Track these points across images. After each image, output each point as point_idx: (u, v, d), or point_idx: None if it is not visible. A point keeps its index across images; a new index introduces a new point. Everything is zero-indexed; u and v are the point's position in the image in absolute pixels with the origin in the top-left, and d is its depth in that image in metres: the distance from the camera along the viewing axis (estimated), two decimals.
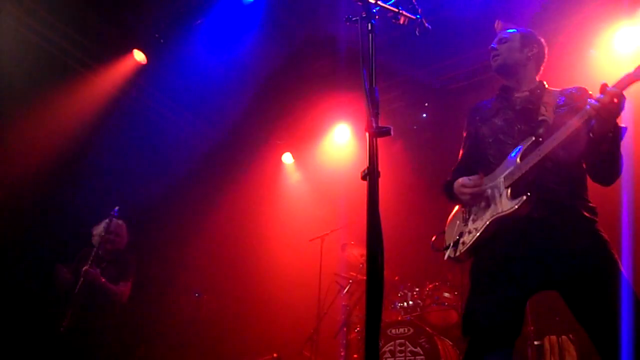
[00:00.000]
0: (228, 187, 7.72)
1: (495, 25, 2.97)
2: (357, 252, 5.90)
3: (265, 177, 8.18)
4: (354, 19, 2.02)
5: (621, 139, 2.40)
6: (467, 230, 2.64)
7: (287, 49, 6.65)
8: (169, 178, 7.25)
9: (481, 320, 2.45)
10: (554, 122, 2.54)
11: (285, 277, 7.24)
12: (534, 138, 2.51)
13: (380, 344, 4.93)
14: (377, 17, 2.00)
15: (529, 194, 2.40)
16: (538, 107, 2.65)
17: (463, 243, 2.62)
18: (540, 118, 2.60)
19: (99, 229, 5.33)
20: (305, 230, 6.97)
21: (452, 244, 2.71)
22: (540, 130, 2.53)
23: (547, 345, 4.89)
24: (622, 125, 2.39)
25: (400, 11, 2.21)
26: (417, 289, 5.52)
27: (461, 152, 2.98)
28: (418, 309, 5.35)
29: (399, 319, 5.24)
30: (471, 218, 2.65)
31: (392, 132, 1.75)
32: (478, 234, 2.53)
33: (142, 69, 6.69)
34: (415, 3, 2.37)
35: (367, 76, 1.88)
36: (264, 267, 7.46)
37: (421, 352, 4.69)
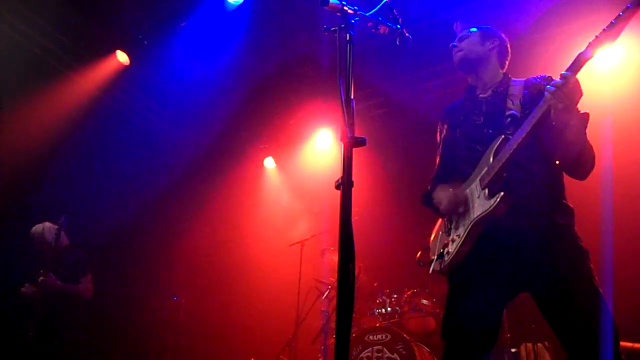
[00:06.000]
0: (209, 190, 7.70)
1: (455, 26, 3.00)
2: (337, 258, 5.90)
3: (246, 181, 8.17)
4: (332, 29, 2.03)
5: (585, 125, 2.40)
6: (450, 239, 2.64)
7: (271, 53, 6.65)
8: (149, 180, 7.20)
9: (459, 324, 2.48)
10: (522, 114, 2.55)
11: (264, 281, 7.23)
12: (503, 136, 2.52)
13: (358, 350, 4.94)
14: (354, 27, 2.01)
15: (503, 193, 2.39)
16: (505, 104, 2.67)
17: (448, 253, 2.61)
18: (507, 113, 2.61)
19: (31, 238, 5.24)
20: (286, 235, 6.97)
21: (437, 257, 2.71)
22: (510, 127, 2.53)
23: (523, 353, 4.94)
24: (584, 111, 2.39)
25: (381, 21, 2.22)
26: (395, 296, 5.54)
27: (437, 159, 2.98)
28: (396, 316, 5.37)
29: (377, 325, 5.25)
30: (453, 227, 2.65)
31: (366, 143, 1.76)
32: (462, 240, 2.53)
33: (125, 70, 6.64)
34: (396, 13, 2.38)
35: (344, 86, 1.88)
36: (243, 271, 7.44)
37: (398, 359, 4.70)
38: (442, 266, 2.64)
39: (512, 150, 2.40)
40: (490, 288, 2.47)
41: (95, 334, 5.43)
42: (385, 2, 2.29)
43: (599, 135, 5.33)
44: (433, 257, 2.75)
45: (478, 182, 2.54)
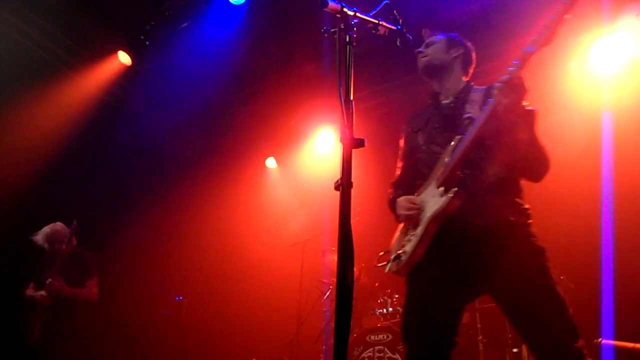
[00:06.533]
0: (211, 190, 7.70)
1: (422, 32, 3.01)
2: None
3: (248, 181, 8.16)
4: (332, 30, 2.04)
5: (534, 123, 2.43)
6: (407, 239, 2.65)
7: (272, 53, 6.67)
8: (151, 181, 7.22)
9: (418, 327, 2.51)
10: (479, 117, 2.57)
11: (265, 282, 7.23)
12: (459, 137, 2.55)
13: (359, 350, 4.95)
14: (354, 28, 2.01)
15: (456, 189, 2.42)
16: (464, 108, 2.70)
17: (405, 253, 2.62)
18: (465, 116, 2.65)
19: (41, 240, 5.22)
20: (287, 235, 6.98)
21: (394, 258, 2.72)
22: (467, 128, 2.55)
23: (524, 353, 4.94)
24: (531, 107, 2.42)
25: (380, 22, 2.22)
26: (397, 296, 5.55)
27: (399, 163, 3.03)
28: (398, 316, 5.37)
29: (379, 325, 5.26)
30: (411, 227, 2.67)
31: (365, 144, 1.77)
32: (418, 239, 2.54)
33: (126, 71, 6.66)
34: (396, 14, 2.39)
35: (343, 88, 1.89)
36: (245, 272, 7.44)
37: (400, 359, 4.71)
38: (399, 267, 2.65)
39: (464, 148, 2.45)
40: (447, 289, 2.49)
41: (97, 334, 5.43)
42: (386, 2, 2.30)
43: (601, 135, 5.37)
44: (390, 258, 2.76)
45: (434, 181, 2.58)
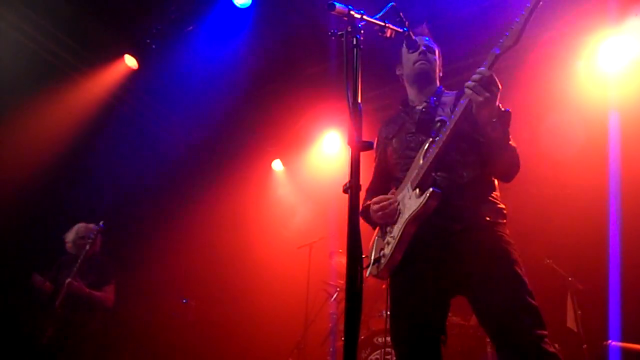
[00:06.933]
0: (217, 193, 7.71)
1: (422, 30, 3.00)
2: (345, 261, 5.88)
3: (254, 184, 8.18)
4: (339, 33, 2.04)
5: (507, 124, 2.42)
6: (386, 242, 2.65)
7: (279, 54, 6.67)
8: (158, 183, 7.24)
9: (404, 330, 2.52)
10: (451, 118, 2.59)
11: (272, 284, 7.23)
12: (432, 139, 2.56)
13: (367, 353, 4.94)
14: (360, 31, 2.01)
15: (432, 189, 2.42)
16: (436, 112, 2.73)
17: (384, 256, 2.62)
18: (437, 119, 2.68)
19: (71, 236, 5.30)
20: (294, 237, 6.98)
21: (373, 261, 2.72)
22: (439, 131, 2.56)
23: None
24: (505, 109, 2.42)
25: (387, 25, 2.22)
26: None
27: (373, 170, 3.04)
28: None
29: (386, 327, 5.24)
30: (388, 230, 2.67)
31: (373, 147, 1.77)
32: (396, 241, 2.54)
33: (133, 74, 6.68)
34: (402, 16, 2.39)
35: (351, 90, 1.89)
36: (252, 274, 7.45)
37: None
38: (380, 270, 2.65)
39: (438, 149, 2.46)
40: (428, 290, 2.49)
41: (105, 336, 5.44)
42: (392, 5, 2.30)
43: (608, 133, 5.36)
44: (370, 262, 2.76)
45: (409, 184, 2.58)
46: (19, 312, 5.28)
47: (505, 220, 2.55)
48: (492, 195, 2.59)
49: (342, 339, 5.54)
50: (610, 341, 4.46)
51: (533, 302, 2.26)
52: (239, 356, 6.99)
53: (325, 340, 5.77)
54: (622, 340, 4.51)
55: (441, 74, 3.01)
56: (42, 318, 4.88)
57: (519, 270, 2.34)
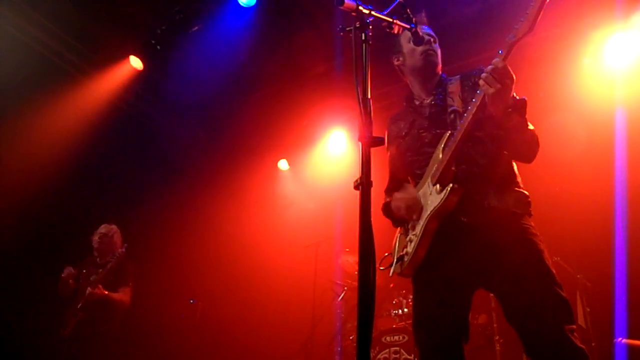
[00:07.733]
0: (223, 192, 7.72)
1: (420, 19, 2.92)
2: (352, 260, 5.89)
3: (260, 183, 8.17)
4: (347, 29, 2.03)
5: (524, 112, 2.40)
6: (408, 240, 2.64)
7: (284, 53, 6.67)
8: (164, 184, 7.24)
9: (428, 329, 2.49)
10: (463, 108, 2.57)
11: (279, 284, 7.23)
12: (449, 132, 2.53)
13: (375, 352, 4.93)
14: (370, 27, 2.01)
15: (452, 184, 2.40)
16: (446, 102, 2.68)
17: (407, 254, 2.60)
18: (450, 110, 2.64)
19: (95, 235, 5.42)
20: (300, 236, 6.97)
21: (397, 260, 2.71)
22: (454, 122, 2.55)
23: None
24: (521, 97, 2.40)
25: (394, 21, 2.21)
26: (412, 297, 5.50)
27: (389, 171, 3.00)
28: None
29: (394, 326, 5.24)
30: (410, 227, 2.66)
31: (385, 142, 1.76)
32: (419, 238, 2.53)
33: (138, 75, 6.69)
34: (410, 12, 2.38)
35: (360, 86, 1.88)
36: (259, 273, 7.45)
37: None
38: (403, 268, 2.64)
39: (457, 142, 2.43)
40: (452, 284, 2.47)
41: (119, 335, 5.49)
42: (399, 1, 2.29)
43: (614, 131, 5.33)
44: (393, 260, 2.76)
45: (429, 180, 2.56)
46: (46, 301, 5.45)
47: (530, 209, 2.52)
48: (515, 181, 2.56)
49: (350, 338, 5.55)
50: (620, 339, 4.45)
51: (563, 294, 2.25)
52: (246, 356, 6.98)
53: (332, 340, 5.76)
54: (630, 338, 4.51)
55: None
56: (66, 312, 5.13)
57: (547, 262, 2.33)
